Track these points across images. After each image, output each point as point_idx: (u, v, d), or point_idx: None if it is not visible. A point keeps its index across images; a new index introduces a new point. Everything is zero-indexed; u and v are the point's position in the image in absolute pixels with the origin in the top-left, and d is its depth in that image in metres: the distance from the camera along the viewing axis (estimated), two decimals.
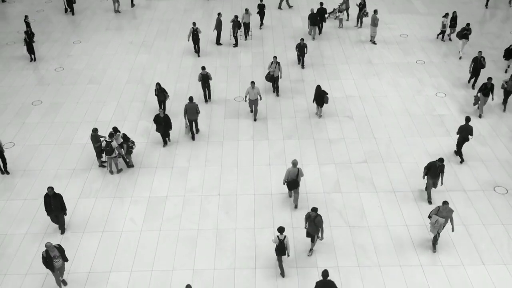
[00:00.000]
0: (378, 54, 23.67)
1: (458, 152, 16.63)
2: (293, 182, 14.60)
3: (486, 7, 28.74)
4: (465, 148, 17.42)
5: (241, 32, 25.99)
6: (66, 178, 16.39)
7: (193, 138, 18.01)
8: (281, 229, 12.50)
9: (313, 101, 18.83)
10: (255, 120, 18.91)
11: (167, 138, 17.68)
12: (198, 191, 15.80)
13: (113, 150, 15.90)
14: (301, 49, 21.92)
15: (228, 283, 12.84)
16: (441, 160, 14.44)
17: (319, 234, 13.31)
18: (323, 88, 20.87)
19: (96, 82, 21.78)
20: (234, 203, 15.30)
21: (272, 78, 20.17)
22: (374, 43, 24.62)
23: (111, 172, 16.48)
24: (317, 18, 24.70)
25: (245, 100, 18.76)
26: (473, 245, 13.79)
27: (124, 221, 14.74)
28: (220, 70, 22.53)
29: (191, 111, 17.50)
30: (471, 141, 17.78)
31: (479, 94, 18.71)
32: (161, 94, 18.69)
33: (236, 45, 24.50)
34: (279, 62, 20.01)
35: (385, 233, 14.23)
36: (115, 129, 16.41)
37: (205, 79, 19.52)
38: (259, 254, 13.62)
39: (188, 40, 23.67)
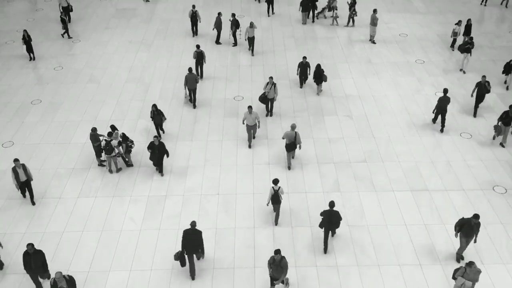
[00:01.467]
0: (378, 54, 23.67)
1: (435, 120, 18.52)
2: (291, 145, 16.11)
3: (485, 5, 28.73)
4: (464, 148, 17.44)
5: (240, 31, 25.95)
6: (65, 177, 16.38)
7: (194, 106, 19.78)
8: (275, 181, 13.89)
9: (313, 79, 20.30)
10: (249, 147, 17.46)
11: (161, 167, 16.21)
12: (197, 190, 15.80)
13: (113, 149, 15.90)
14: (303, 68, 20.17)
15: (228, 282, 12.85)
16: (476, 217, 12.44)
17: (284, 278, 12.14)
18: (323, 86, 20.91)
19: (96, 81, 21.77)
20: (234, 202, 15.31)
21: (266, 99, 18.64)
22: (373, 42, 24.62)
23: (111, 171, 16.48)
24: (308, 4, 25.80)
25: (243, 123, 17.28)
26: (472, 244, 13.80)
27: (123, 220, 14.74)
28: (219, 69, 22.52)
29: (191, 81, 19.32)
30: (471, 140, 17.78)
31: (500, 123, 17.21)
32: (158, 117, 17.32)
33: (235, 44, 24.48)
34: (275, 83, 18.45)
35: (384, 232, 14.24)
36: (113, 127, 16.42)
37: (199, 56, 21.20)
38: (259, 253, 13.63)
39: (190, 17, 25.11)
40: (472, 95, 18.96)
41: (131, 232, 14.36)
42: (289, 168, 16.51)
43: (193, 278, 12.93)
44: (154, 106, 17.19)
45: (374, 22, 23.90)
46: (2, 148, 17.73)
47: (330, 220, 13.04)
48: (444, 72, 22.02)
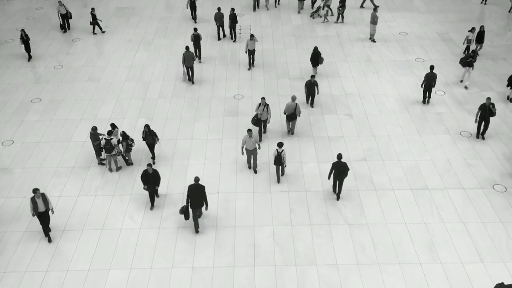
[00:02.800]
0: (378, 52, 23.66)
1: (425, 97, 19.44)
2: (291, 115, 17.44)
3: (485, 4, 28.71)
4: (464, 146, 17.44)
5: (239, 27, 25.92)
6: (65, 176, 16.38)
7: (192, 82, 21.11)
8: (280, 144, 15.10)
9: (310, 61, 21.21)
10: (255, 172, 16.34)
11: (155, 195, 15.10)
12: None
13: (113, 148, 15.89)
14: (311, 87, 18.93)
15: (227, 280, 12.85)
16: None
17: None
18: (322, 85, 20.89)
19: (95, 79, 21.76)
20: (233, 201, 15.31)
21: (259, 122, 17.32)
22: (373, 41, 24.61)
23: (110, 170, 16.47)
24: None
25: (242, 153, 15.98)
26: (472, 243, 13.81)
27: (123, 219, 14.74)
28: (219, 68, 22.50)
29: (188, 59, 20.57)
30: (471, 138, 17.77)
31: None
32: (150, 137, 16.10)
33: (234, 40, 24.57)
34: (268, 104, 17.34)
35: (384, 230, 14.24)
36: (113, 125, 16.41)
37: (196, 39, 22.30)
38: (258, 251, 13.63)
39: (187, 8, 26.72)
40: (476, 120, 17.35)
41: (131, 230, 14.36)
42: (288, 132, 18.06)
43: (196, 232, 14.08)
44: (147, 126, 15.90)
45: (374, 20, 23.88)
46: (2, 146, 17.72)
47: (338, 170, 14.61)
48: (444, 71, 22.00)
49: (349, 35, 25.35)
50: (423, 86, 19.31)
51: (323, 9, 26.66)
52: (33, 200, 13.35)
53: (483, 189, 15.64)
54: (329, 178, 14.96)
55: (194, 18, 26.52)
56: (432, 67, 19.06)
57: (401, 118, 18.96)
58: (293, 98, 17.18)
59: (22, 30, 22.51)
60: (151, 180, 14.43)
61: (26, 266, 13.30)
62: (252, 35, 21.53)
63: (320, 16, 26.84)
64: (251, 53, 22.00)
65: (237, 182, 16.03)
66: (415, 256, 13.46)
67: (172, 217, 14.76)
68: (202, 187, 13.66)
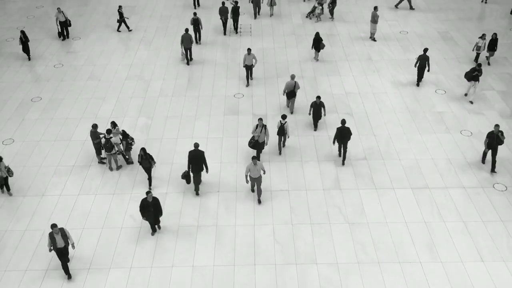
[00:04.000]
0: (378, 51, 23.64)
1: (419, 77, 20.45)
2: (291, 92, 18.47)
3: (485, 2, 28.68)
4: (465, 145, 17.44)
5: (240, 26, 25.91)
6: (65, 175, 16.39)
7: (188, 63, 22.34)
8: (284, 116, 16.14)
9: (312, 46, 22.30)
10: (259, 202, 15.13)
11: (156, 226, 14.21)
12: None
13: (113, 147, 15.89)
14: (317, 108, 17.65)
15: (228, 279, 12.86)
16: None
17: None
18: (322, 84, 20.89)
19: (96, 78, 21.75)
20: (234, 200, 15.31)
21: (257, 144, 16.30)
22: (374, 40, 24.59)
23: (111, 168, 16.47)
24: None
25: (246, 181, 14.76)
26: (472, 242, 13.81)
27: (123, 218, 14.75)
28: (219, 67, 22.49)
29: (186, 41, 21.64)
30: (471, 137, 17.77)
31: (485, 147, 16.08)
32: (146, 161, 15.13)
33: (236, 32, 25.29)
34: (265, 125, 16.04)
35: (385, 230, 14.25)
36: (114, 124, 16.39)
37: (195, 23, 23.48)
38: (259, 250, 13.64)
39: None
40: (485, 149, 16.13)
41: (131, 229, 14.37)
42: (291, 113, 19.04)
43: (197, 194, 15.16)
44: (143, 150, 14.96)
45: (374, 19, 23.86)
46: (3, 145, 17.73)
47: (342, 134, 15.95)
48: (444, 70, 21.99)
49: (349, 34, 25.33)
50: (416, 67, 20.55)
51: (317, 5, 26.63)
52: (51, 236, 12.20)
53: (483, 188, 15.64)
54: (334, 143, 16.23)
55: (197, 3, 28.16)
56: (425, 50, 20.13)
57: (401, 117, 18.96)
58: (292, 77, 18.17)
59: (22, 32, 22.36)
60: (151, 209, 13.28)
61: (26, 265, 13.31)
62: (249, 50, 19.97)
63: (316, 16, 26.78)
64: (248, 68, 20.46)
65: (237, 180, 16.03)
66: (416, 255, 13.46)
67: (172, 216, 14.76)
68: (202, 152, 14.73)
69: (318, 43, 22.06)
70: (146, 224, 14.48)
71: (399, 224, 14.42)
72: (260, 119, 15.98)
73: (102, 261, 13.41)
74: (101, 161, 16.79)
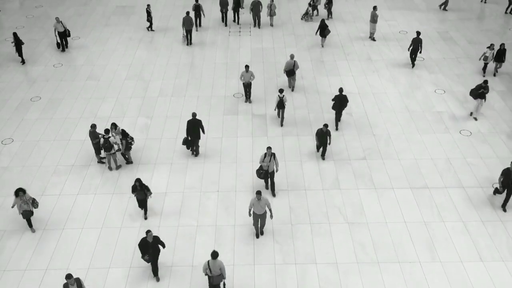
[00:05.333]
0: (378, 51, 23.65)
1: (412, 60, 21.72)
2: (290, 71, 19.72)
3: (485, 2, 28.70)
4: (464, 145, 17.44)
5: (240, 26, 25.91)
6: (65, 174, 16.38)
7: (187, 44, 24.05)
8: (281, 90, 17.51)
9: (316, 33, 23.77)
10: (261, 233, 14.20)
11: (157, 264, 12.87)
12: (197, 187, 15.80)
13: (112, 146, 15.88)
14: (323, 136, 16.30)
15: (227, 279, 12.85)
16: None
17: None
18: (322, 84, 20.89)
19: (95, 78, 21.74)
20: (233, 199, 15.31)
21: (267, 174, 15.17)
22: (373, 39, 24.60)
23: (110, 168, 16.47)
24: None
25: (250, 214, 13.82)
26: (471, 242, 13.82)
27: (123, 217, 14.74)
28: (219, 67, 22.49)
29: (187, 23, 23.28)
30: (471, 137, 17.78)
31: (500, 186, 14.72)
32: (141, 192, 14.13)
33: (237, 22, 26.06)
34: (274, 153, 14.97)
35: (384, 229, 14.25)
36: (114, 125, 16.34)
37: (197, 9, 24.93)
38: (258, 250, 13.64)
39: None
40: (500, 188, 14.63)
41: (130, 229, 14.36)
42: (292, 90, 20.39)
43: (196, 156, 16.98)
44: (138, 180, 13.93)
45: (374, 19, 23.87)
46: (2, 145, 17.72)
47: (340, 102, 17.37)
48: (444, 70, 22.00)
49: (349, 34, 25.33)
50: (409, 50, 21.69)
51: (313, 10, 26.62)
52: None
53: (482, 188, 15.64)
54: (333, 108, 17.67)
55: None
56: (418, 33, 21.32)
57: (401, 117, 18.96)
58: (292, 56, 19.51)
59: (14, 33, 22.03)
60: (150, 250, 12.32)
61: (26, 265, 13.30)
62: (247, 67, 18.82)
63: (311, 16, 26.72)
64: (246, 86, 19.47)
65: (237, 180, 16.03)
66: (415, 255, 13.47)
67: (172, 216, 14.76)
68: (199, 121, 16.24)
69: (323, 30, 23.13)
70: (146, 223, 14.48)
71: (398, 224, 14.43)
72: (269, 148, 14.86)
73: (102, 260, 13.40)
74: (100, 160, 16.78)
